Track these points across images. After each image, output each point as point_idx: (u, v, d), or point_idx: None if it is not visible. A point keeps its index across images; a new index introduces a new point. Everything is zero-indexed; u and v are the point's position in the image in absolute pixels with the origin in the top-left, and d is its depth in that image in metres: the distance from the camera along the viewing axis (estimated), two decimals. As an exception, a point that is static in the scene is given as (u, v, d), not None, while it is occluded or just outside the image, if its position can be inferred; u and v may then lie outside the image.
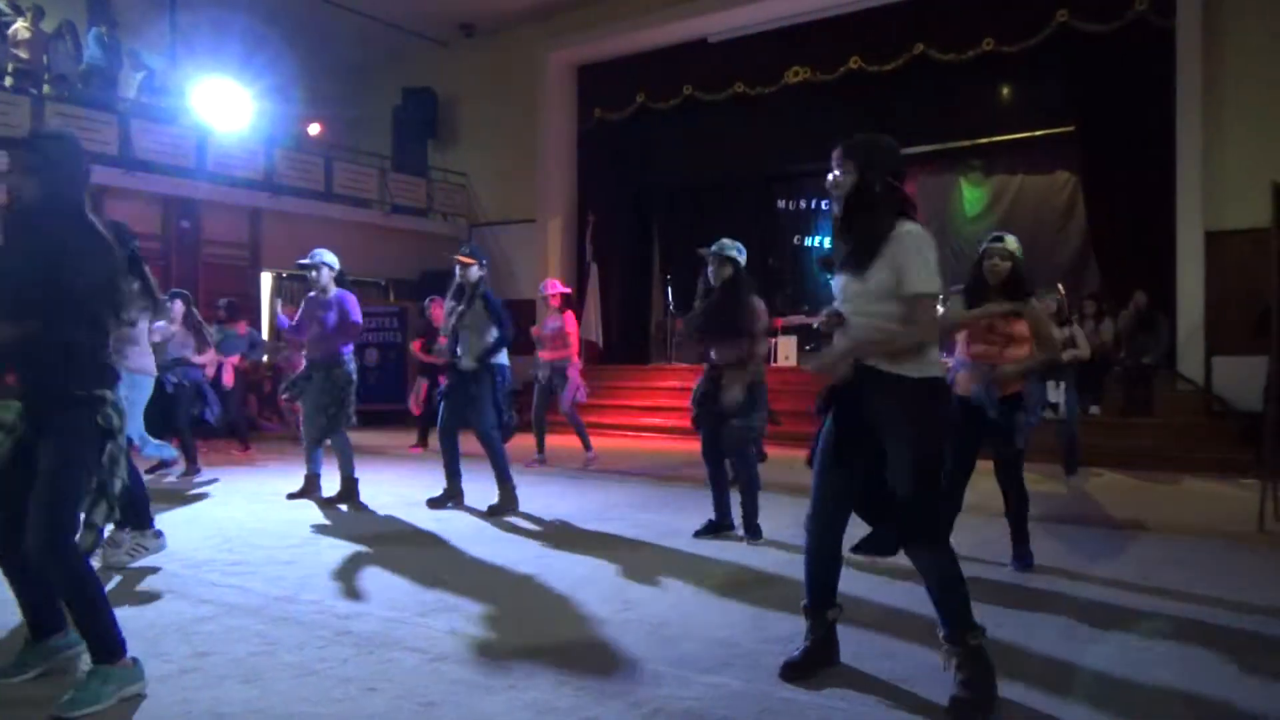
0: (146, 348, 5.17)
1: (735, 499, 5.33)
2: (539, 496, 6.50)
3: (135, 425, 5.18)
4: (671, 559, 4.81)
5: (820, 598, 3.09)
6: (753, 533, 5.19)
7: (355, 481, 6.49)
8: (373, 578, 4.36)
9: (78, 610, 2.78)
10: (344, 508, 6.30)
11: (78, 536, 2.79)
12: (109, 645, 2.77)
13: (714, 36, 13.64)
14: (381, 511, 6.21)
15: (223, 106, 12.44)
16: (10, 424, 2.78)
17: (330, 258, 6.49)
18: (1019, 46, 11.30)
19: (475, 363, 6.09)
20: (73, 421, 2.77)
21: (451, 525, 5.70)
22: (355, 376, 6.45)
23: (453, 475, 6.37)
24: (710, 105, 13.78)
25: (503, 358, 6.22)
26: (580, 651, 3.28)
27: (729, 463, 5.33)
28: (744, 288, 5.14)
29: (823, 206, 15.17)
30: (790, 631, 3.49)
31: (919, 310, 2.81)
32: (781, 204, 15.41)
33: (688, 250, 14.17)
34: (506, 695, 2.85)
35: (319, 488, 6.61)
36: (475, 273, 6.19)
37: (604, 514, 6.13)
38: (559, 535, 5.48)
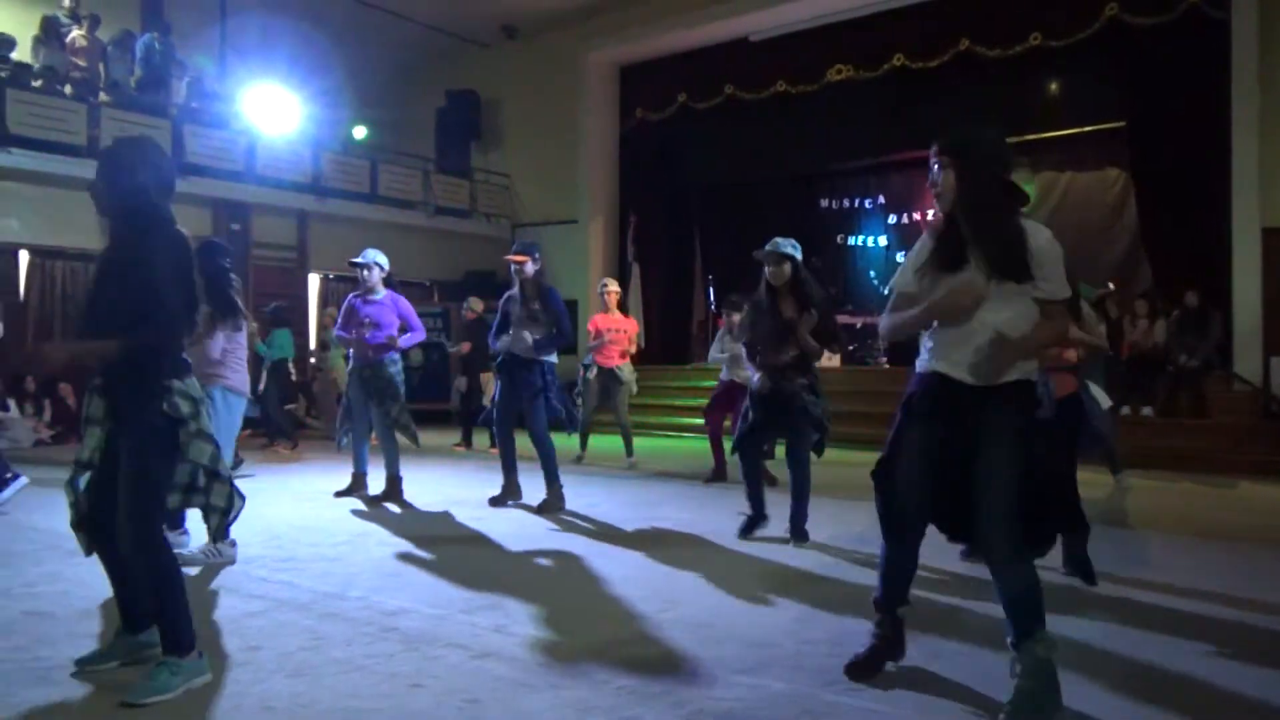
0: (241, 365, 5.13)
1: (772, 498, 5.32)
2: (581, 495, 6.52)
3: (228, 449, 5.15)
4: (713, 559, 4.81)
5: (894, 594, 3.01)
6: (799, 536, 5.16)
7: (400, 480, 6.57)
8: (418, 575, 4.42)
9: (158, 599, 2.86)
10: (389, 506, 6.39)
11: (207, 522, 2.97)
12: (181, 638, 2.84)
13: (755, 35, 13.60)
14: (426, 510, 6.28)
15: (271, 111, 12.68)
16: (99, 419, 2.91)
17: (381, 258, 6.57)
18: (1067, 41, 11.11)
19: (530, 354, 6.05)
20: (142, 413, 2.85)
21: (495, 524, 5.75)
22: (401, 378, 6.48)
23: (510, 472, 6.39)
24: (752, 104, 13.74)
25: (550, 354, 6.23)
26: (622, 650, 3.29)
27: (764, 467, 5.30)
28: (807, 285, 5.10)
29: (865, 205, 15.04)
30: (833, 633, 3.48)
31: (1059, 315, 2.81)
32: (824, 203, 15.31)
33: (729, 250, 14.30)
34: (549, 694, 2.87)
35: (365, 486, 6.71)
36: (530, 268, 6.18)
37: (646, 513, 6.14)
38: (601, 534, 5.50)
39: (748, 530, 5.32)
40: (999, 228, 2.76)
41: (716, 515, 6.00)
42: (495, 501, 6.35)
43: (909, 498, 2.88)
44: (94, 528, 2.96)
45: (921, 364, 2.92)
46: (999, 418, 2.74)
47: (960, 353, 2.78)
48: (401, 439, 6.61)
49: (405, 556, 4.83)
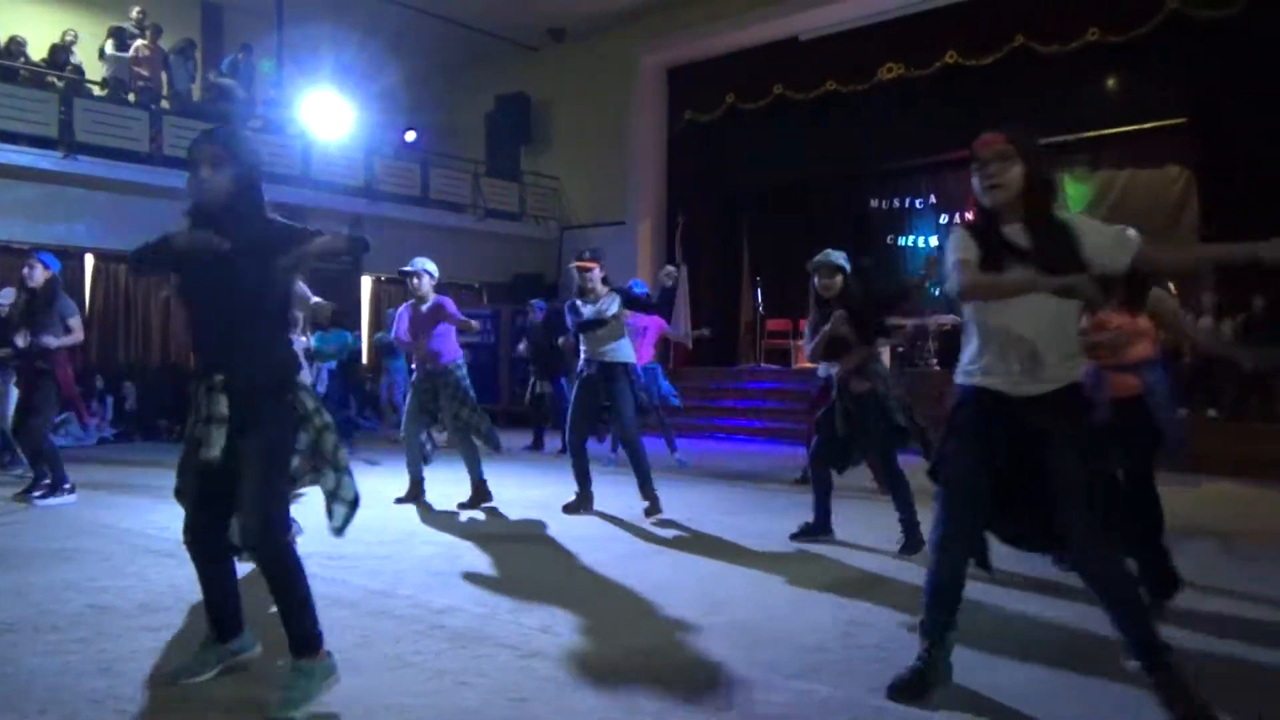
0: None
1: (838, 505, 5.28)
2: (630, 497, 6.51)
3: None
4: (762, 562, 4.77)
5: (945, 621, 2.88)
6: (912, 547, 4.89)
7: (485, 484, 6.47)
8: (466, 574, 4.45)
9: (284, 602, 2.78)
10: (476, 513, 6.27)
11: (331, 517, 2.87)
12: (311, 639, 2.78)
13: (805, 35, 13.50)
14: (475, 510, 6.32)
15: (326, 116, 12.90)
16: (222, 416, 2.76)
17: (431, 265, 6.50)
18: (1127, 36, 10.86)
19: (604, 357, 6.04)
20: (274, 410, 2.79)
21: (544, 524, 5.77)
22: (467, 382, 6.38)
23: (583, 481, 6.25)
24: (801, 104, 13.65)
25: (630, 355, 6.15)
26: (669, 653, 3.28)
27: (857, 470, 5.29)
28: (853, 301, 5.05)
29: (916, 205, 14.84)
30: (883, 638, 3.43)
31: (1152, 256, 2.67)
32: (874, 203, 15.10)
33: (778, 251, 14.21)
34: (596, 693, 2.87)
35: (423, 492, 6.61)
36: (597, 274, 6.11)
37: (694, 516, 6.11)
38: (649, 536, 5.49)
39: (801, 534, 5.26)
40: (1053, 224, 2.70)
41: (764, 518, 5.97)
42: (570, 509, 6.18)
43: (965, 514, 2.80)
44: (200, 530, 2.86)
45: (964, 376, 2.84)
46: (1051, 424, 2.66)
47: (1004, 364, 2.72)
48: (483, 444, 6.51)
49: (453, 556, 4.87)
